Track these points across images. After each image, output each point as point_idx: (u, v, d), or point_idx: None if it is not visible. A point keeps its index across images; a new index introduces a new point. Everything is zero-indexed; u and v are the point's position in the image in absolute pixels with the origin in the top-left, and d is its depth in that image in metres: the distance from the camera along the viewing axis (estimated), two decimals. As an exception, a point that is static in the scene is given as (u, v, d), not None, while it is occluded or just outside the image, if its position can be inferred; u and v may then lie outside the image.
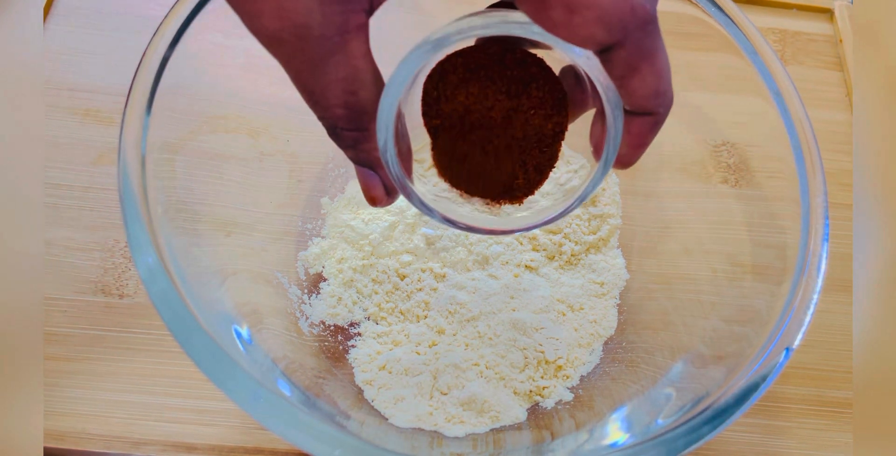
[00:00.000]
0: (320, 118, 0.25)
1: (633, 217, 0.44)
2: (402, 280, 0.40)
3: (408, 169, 0.26)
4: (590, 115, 0.27)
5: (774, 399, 0.40)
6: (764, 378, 0.28)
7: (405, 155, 0.26)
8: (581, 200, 0.26)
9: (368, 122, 0.24)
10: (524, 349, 0.38)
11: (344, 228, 0.42)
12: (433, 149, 0.27)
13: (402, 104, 0.24)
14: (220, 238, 0.36)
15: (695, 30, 0.38)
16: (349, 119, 0.24)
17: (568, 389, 0.38)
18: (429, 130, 0.27)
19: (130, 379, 0.37)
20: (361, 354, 0.38)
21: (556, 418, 0.36)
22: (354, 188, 0.44)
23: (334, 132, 0.25)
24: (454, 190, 0.28)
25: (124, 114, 0.30)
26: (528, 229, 0.28)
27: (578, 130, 0.28)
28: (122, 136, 0.30)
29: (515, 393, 0.37)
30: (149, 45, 0.31)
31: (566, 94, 0.26)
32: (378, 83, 0.24)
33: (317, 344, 0.38)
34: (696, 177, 0.40)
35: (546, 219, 0.27)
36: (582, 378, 0.38)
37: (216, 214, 0.36)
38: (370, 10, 0.23)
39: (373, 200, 0.28)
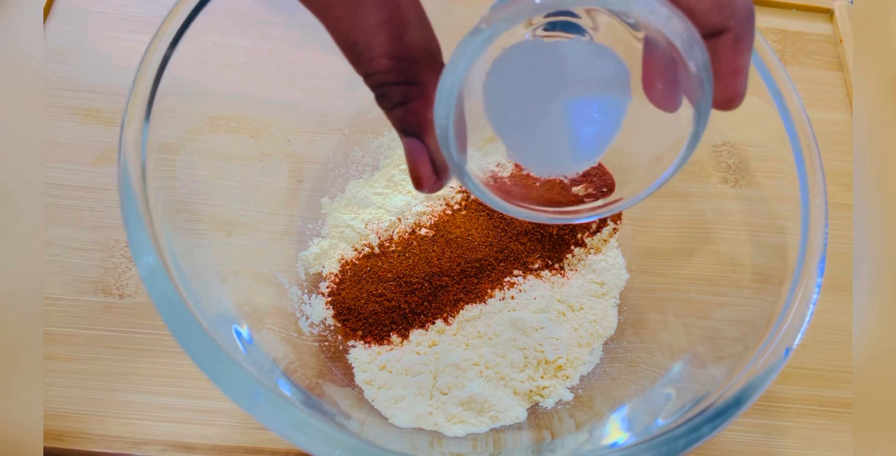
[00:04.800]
0: (366, 77, 0.22)
1: (633, 217, 0.44)
2: (402, 280, 0.40)
3: (462, 145, 0.23)
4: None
5: (774, 399, 0.40)
6: (763, 378, 0.28)
7: (461, 132, 0.23)
8: (678, 167, 0.23)
9: (419, 74, 0.22)
10: (524, 349, 0.38)
11: (344, 228, 0.42)
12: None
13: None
14: (220, 238, 0.36)
15: (695, 30, 0.38)
16: (397, 70, 0.22)
17: (568, 388, 0.38)
18: None
19: (130, 379, 0.37)
20: (361, 354, 0.38)
21: (556, 418, 0.36)
22: (354, 188, 0.44)
23: (381, 91, 0.23)
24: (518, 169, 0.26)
25: (125, 114, 0.30)
26: (602, 214, 0.25)
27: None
28: (123, 136, 0.30)
29: (515, 393, 0.37)
30: (149, 45, 0.31)
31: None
32: (424, 25, 0.22)
33: (317, 344, 0.38)
34: (696, 177, 0.40)
35: (638, 196, 0.24)
36: (582, 378, 0.38)
37: (216, 214, 0.36)
38: None
39: (418, 181, 0.24)
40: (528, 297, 0.40)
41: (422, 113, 0.23)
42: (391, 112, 0.23)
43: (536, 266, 0.42)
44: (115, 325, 0.38)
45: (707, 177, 0.40)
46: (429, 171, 0.24)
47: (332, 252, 0.41)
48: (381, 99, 0.23)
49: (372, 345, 0.38)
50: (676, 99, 0.23)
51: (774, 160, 0.35)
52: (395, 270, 0.40)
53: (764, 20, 0.54)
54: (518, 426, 0.36)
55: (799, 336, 0.29)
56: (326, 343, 0.38)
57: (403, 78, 0.22)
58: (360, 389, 0.37)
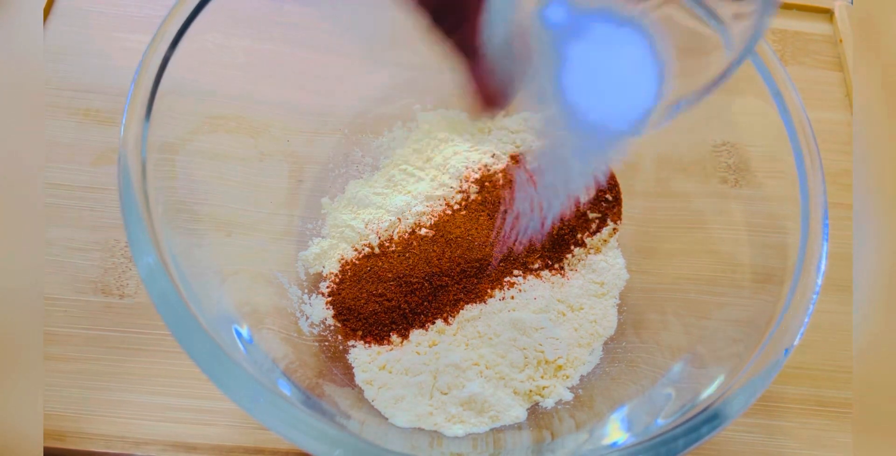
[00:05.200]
0: (416, 6, 0.24)
1: (633, 217, 0.44)
2: (402, 280, 0.40)
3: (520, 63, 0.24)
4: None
5: (774, 399, 0.40)
6: (763, 378, 0.28)
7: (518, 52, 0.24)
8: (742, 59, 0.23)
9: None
10: (524, 349, 0.38)
11: (344, 228, 0.42)
12: None
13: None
14: (220, 238, 0.36)
15: (695, 30, 0.38)
16: None
17: (568, 388, 0.38)
18: None
19: (130, 379, 0.37)
20: (361, 354, 0.38)
21: (556, 418, 0.36)
22: (354, 188, 0.44)
23: (433, 18, 0.24)
24: None
25: (125, 114, 0.30)
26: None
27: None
28: (123, 136, 0.30)
29: (515, 393, 0.37)
30: (149, 45, 0.31)
31: None
32: None
33: (317, 344, 0.38)
34: (696, 177, 0.40)
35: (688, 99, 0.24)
36: (582, 378, 0.38)
37: (216, 214, 0.36)
38: None
39: (484, 100, 0.25)
40: (528, 297, 0.40)
41: (474, 35, 0.24)
42: (447, 38, 0.24)
43: (536, 266, 0.42)
44: (115, 325, 0.38)
45: (707, 177, 0.40)
46: (492, 87, 0.25)
47: (332, 252, 0.41)
48: (435, 26, 0.24)
49: (372, 345, 0.38)
50: None
51: (774, 160, 0.35)
52: (395, 270, 0.40)
53: (764, 20, 0.54)
54: (518, 426, 0.36)
55: (799, 336, 0.29)
56: (326, 343, 0.38)
57: (451, 3, 0.23)
58: (360, 389, 0.37)
